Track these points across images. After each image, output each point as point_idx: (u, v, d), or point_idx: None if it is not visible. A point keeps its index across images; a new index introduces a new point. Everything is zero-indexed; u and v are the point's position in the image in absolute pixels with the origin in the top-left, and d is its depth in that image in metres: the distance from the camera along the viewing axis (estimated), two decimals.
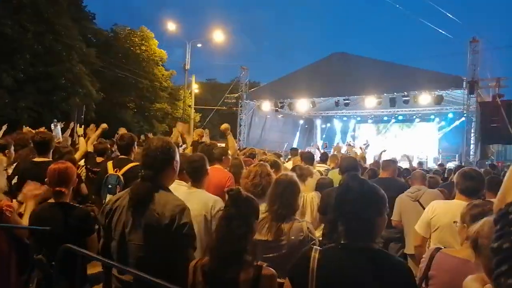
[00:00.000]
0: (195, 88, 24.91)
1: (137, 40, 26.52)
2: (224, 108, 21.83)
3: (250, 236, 1.90)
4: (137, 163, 3.66)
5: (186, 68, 22.29)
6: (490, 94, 15.86)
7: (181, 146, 6.04)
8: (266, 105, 19.89)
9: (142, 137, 10.20)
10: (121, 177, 3.73)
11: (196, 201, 2.61)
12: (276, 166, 3.85)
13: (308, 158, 6.16)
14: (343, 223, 1.66)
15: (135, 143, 4.17)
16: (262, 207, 2.49)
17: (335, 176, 4.94)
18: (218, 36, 22.78)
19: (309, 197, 4.22)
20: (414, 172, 5.00)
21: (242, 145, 17.90)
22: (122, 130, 5.55)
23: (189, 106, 24.62)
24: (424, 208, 3.44)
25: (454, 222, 2.75)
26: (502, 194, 0.67)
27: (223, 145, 4.96)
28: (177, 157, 2.33)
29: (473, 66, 15.05)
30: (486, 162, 14.33)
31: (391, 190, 3.43)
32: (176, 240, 2.07)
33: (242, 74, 20.68)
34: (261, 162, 3.25)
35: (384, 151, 10.21)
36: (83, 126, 5.99)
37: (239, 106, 20.47)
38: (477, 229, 1.61)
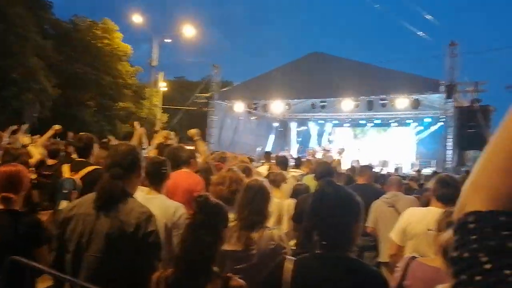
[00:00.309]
0: (163, 86, 24.39)
1: (99, 32, 25.71)
2: (193, 108, 21.49)
3: (218, 245, 1.89)
4: (97, 167, 3.62)
5: (153, 65, 21.91)
6: (468, 99, 16.40)
7: (144, 149, 5.97)
8: (239, 106, 19.61)
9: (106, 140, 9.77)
10: (78, 182, 3.59)
11: (156, 207, 2.54)
12: (247, 171, 3.86)
13: (282, 162, 6.20)
14: (319, 231, 1.66)
15: (95, 144, 4.06)
16: (232, 215, 2.48)
17: (310, 182, 4.99)
18: (189, 31, 22.49)
19: (285, 204, 4.19)
20: (390, 178, 5.02)
21: (212, 148, 16.89)
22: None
23: (156, 105, 24.21)
24: (400, 214, 3.51)
25: (428, 230, 2.81)
26: (461, 202, 0.69)
27: (192, 148, 4.93)
28: (143, 163, 2.37)
29: (451, 70, 15.36)
30: (463, 169, 14.42)
31: (367, 196, 3.52)
32: (142, 250, 2.05)
33: (214, 73, 20.25)
34: (233, 167, 3.28)
35: (358, 149, 9.74)
36: (29, 136, 5.69)
37: (210, 106, 20.05)
38: (447, 237, 1.63)
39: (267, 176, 4.21)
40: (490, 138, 0.68)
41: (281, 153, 18.14)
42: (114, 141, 6.29)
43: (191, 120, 21.70)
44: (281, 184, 4.50)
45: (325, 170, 4.34)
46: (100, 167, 3.20)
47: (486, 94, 15.94)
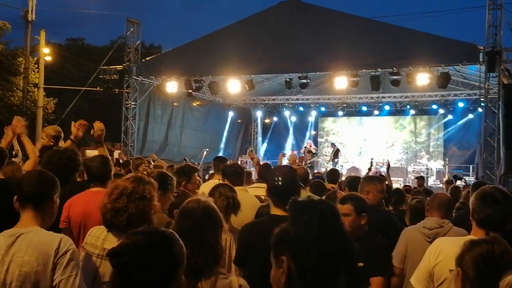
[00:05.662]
0: (46, 53, 20.25)
1: None
2: (98, 89, 19.08)
3: None
4: None
5: (30, 19, 17.77)
6: None
7: (15, 155, 5.64)
8: (172, 86, 16.92)
9: None
10: None
11: (28, 248, 2.40)
12: (164, 183, 3.68)
13: (235, 174, 5.25)
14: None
15: None
16: None
17: None
18: None
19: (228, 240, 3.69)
20: (434, 195, 4.70)
21: (131, 152, 16.56)
22: None
23: (36, 85, 20.12)
24: None
25: (450, 270, 2.65)
26: None
27: (96, 152, 4.74)
28: None
29: (494, 29, 13.62)
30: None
31: (374, 225, 3.41)
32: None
33: (130, 32, 17.40)
34: (142, 175, 3.21)
35: (372, 159, 11.52)
36: None
37: (126, 86, 17.34)
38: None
39: (212, 194, 3.76)
40: None
41: (242, 159, 18.54)
42: None
43: (96, 108, 19.69)
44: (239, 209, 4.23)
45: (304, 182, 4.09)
46: None
47: None
